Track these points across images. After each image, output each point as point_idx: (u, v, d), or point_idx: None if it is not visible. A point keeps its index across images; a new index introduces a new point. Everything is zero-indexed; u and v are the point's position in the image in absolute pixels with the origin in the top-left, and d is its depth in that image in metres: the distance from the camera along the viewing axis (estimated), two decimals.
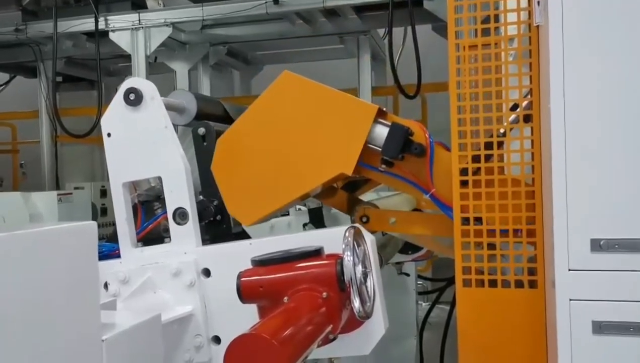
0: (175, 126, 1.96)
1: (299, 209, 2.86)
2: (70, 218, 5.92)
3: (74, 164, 8.94)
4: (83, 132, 6.70)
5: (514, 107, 1.71)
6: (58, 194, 6.09)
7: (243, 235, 1.99)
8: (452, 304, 2.99)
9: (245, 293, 1.49)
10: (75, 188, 6.90)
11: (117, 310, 1.48)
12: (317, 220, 2.71)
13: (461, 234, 1.71)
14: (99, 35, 6.48)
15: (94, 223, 1.10)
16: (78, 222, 1.07)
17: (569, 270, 1.43)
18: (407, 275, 4.15)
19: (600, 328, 1.41)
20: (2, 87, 8.94)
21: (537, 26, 1.62)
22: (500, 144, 1.69)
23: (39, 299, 0.98)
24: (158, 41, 6.41)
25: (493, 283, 1.69)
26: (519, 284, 1.67)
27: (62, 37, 6.76)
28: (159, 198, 1.94)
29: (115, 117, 1.78)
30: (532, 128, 1.66)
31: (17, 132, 9.27)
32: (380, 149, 1.73)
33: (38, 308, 0.98)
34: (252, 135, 1.80)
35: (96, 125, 6.43)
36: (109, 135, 1.79)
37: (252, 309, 1.53)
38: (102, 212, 6.97)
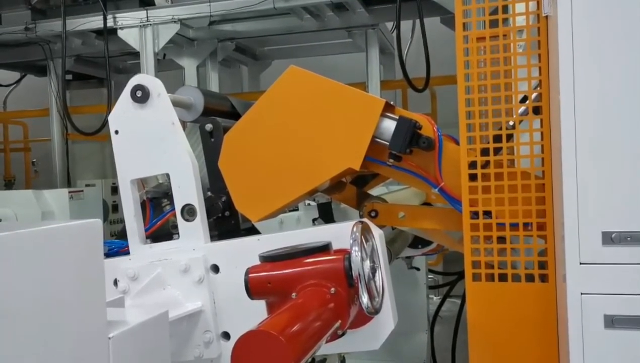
0: (183, 122, 1.96)
1: (308, 204, 2.86)
2: (82, 216, 5.93)
3: (85, 161, 8.99)
4: (93, 130, 6.74)
5: (523, 99, 1.69)
6: (69, 191, 6.12)
7: (252, 231, 1.98)
8: (464, 298, 2.97)
9: (253, 289, 1.49)
10: (87, 185, 6.95)
11: (126, 306, 1.48)
12: (326, 215, 2.70)
13: (470, 228, 1.69)
14: (108, 33, 6.51)
15: (99, 221, 1.10)
16: (83, 220, 1.07)
17: (580, 263, 1.41)
18: (418, 269, 4.14)
19: (612, 322, 1.40)
20: (13, 86, 9.03)
21: (546, 17, 1.60)
22: (509, 137, 1.68)
23: (45, 297, 0.98)
24: (166, 38, 6.43)
25: (503, 278, 1.67)
26: (530, 278, 1.66)
27: (71, 36, 6.79)
28: (167, 194, 1.94)
29: (122, 114, 1.78)
30: (541, 120, 1.64)
31: (29, 130, 9.34)
32: (387, 143, 1.72)
33: (43, 306, 0.98)
34: (259, 130, 1.79)
35: (106, 123, 6.42)
36: (116, 132, 1.79)
37: (261, 305, 1.53)
38: (113, 209, 7.03)
